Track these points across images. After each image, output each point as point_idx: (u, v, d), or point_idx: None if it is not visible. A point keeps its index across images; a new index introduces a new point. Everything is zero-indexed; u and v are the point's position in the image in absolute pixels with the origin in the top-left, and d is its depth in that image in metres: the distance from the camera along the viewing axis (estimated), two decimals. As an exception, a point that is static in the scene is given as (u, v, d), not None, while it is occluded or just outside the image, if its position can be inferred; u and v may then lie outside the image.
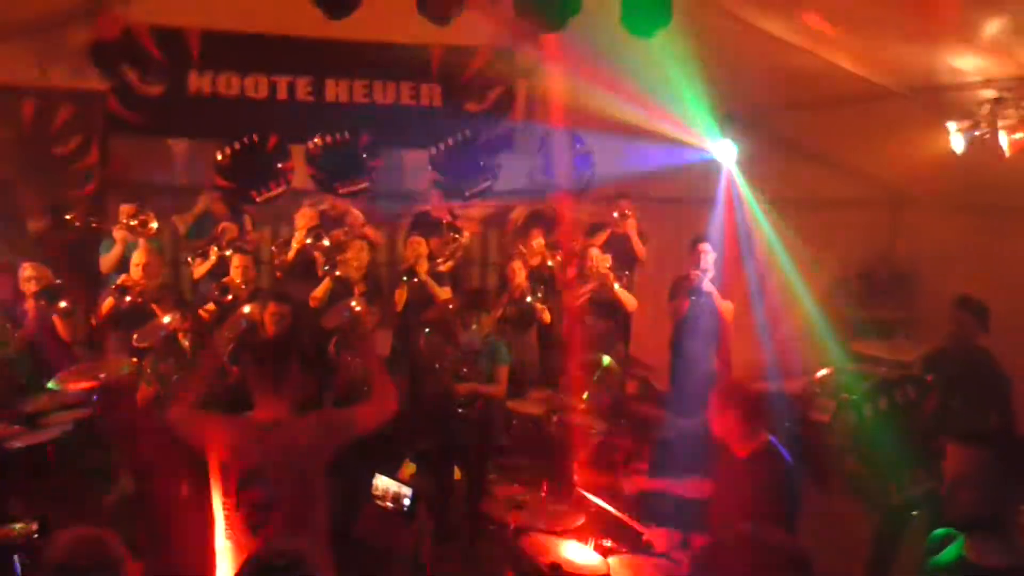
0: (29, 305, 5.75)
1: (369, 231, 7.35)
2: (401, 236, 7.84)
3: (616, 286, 6.62)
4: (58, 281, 5.92)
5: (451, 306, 5.93)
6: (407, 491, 2.66)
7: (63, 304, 5.71)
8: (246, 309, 5.52)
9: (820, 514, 4.50)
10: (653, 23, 4.69)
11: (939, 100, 5.86)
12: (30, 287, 5.80)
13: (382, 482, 2.66)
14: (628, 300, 6.74)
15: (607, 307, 6.78)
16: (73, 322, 5.83)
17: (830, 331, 6.86)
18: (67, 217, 7.04)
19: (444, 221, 7.57)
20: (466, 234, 7.61)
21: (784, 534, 3.61)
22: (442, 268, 7.02)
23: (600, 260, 6.74)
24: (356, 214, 7.44)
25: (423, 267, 6.69)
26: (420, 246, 6.79)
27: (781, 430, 4.48)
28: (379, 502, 2.66)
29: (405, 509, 2.65)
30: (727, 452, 3.96)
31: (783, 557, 3.44)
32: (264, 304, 5.57)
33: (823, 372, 5.37)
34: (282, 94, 8.08)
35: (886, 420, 4.59)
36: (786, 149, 8.19)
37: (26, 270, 5.88)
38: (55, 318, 5.71)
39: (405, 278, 6.66)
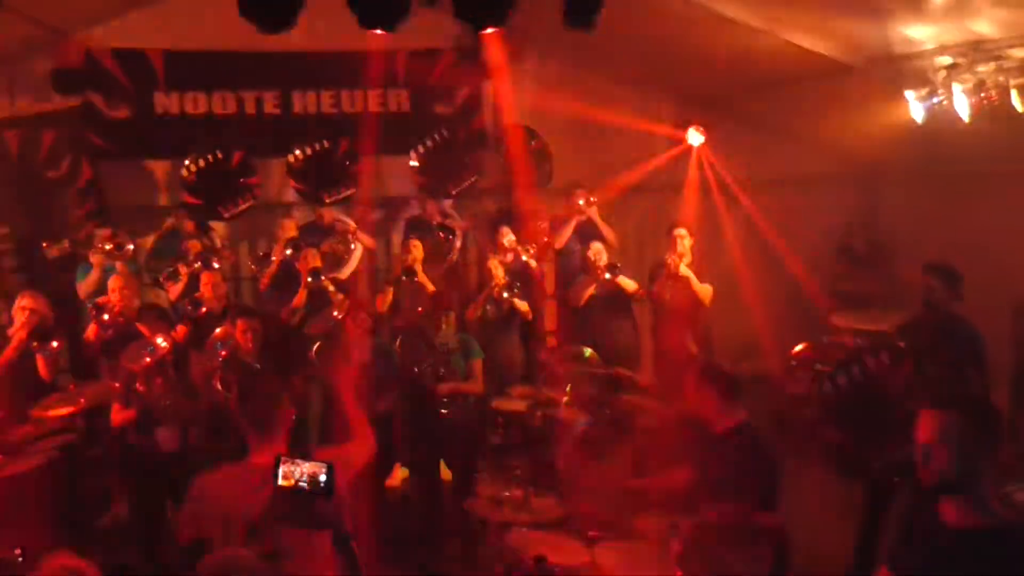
0: (19, 336, 5.55)
1: (363, 237, 7.38)
2: (397, 241, 7.87)
3: (607, 275, 6.65)
4: (50, 312, 5.83)
5: (420, 309, 5.94)
6: (321, 466, 2.58)
7: (54, 344, 5.56)
8: (217, 331, 5.51)
9: (803, 487, 4.56)
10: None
11: (896, 71, 5.90)
12: (23, 317, 5.59)
13: (288, 467, 2.57)
14: (629, 285, 6.79)
15: (611, 298, 6.79)
16: (57, 360, 5.76)
17: (808, 307, 6.92)
18: (43, 246, 7.02)
19: (435, 223, 7.59)
20: (459, 234, 7.65)
21: (762, 511, 3.70)
22: (438, 270, 7.06)
23: (600, 254, 6.76)
24: (347, 221, 7.46)
25: (419, 268, 6.72)
26: (417, 248, 6.84)
27: (761, 407, 4.54)
28: (289, 485, 2.56)
29: (323, 485, 2.58)
30: (705, 431, 4.01)
31: (761, 533, 3.51)
32: (233, 322, 5.56)
33: (799, 347, 5.39)
34: (250, 109, 8.08)
35: (861, 389, 4.62)
36: (754, 130, 8.24)
37: (24, 299, 5.70)
38: (39, 357, 5.57)
39: (404, 277, 6.64)
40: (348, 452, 3.29)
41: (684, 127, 7.93)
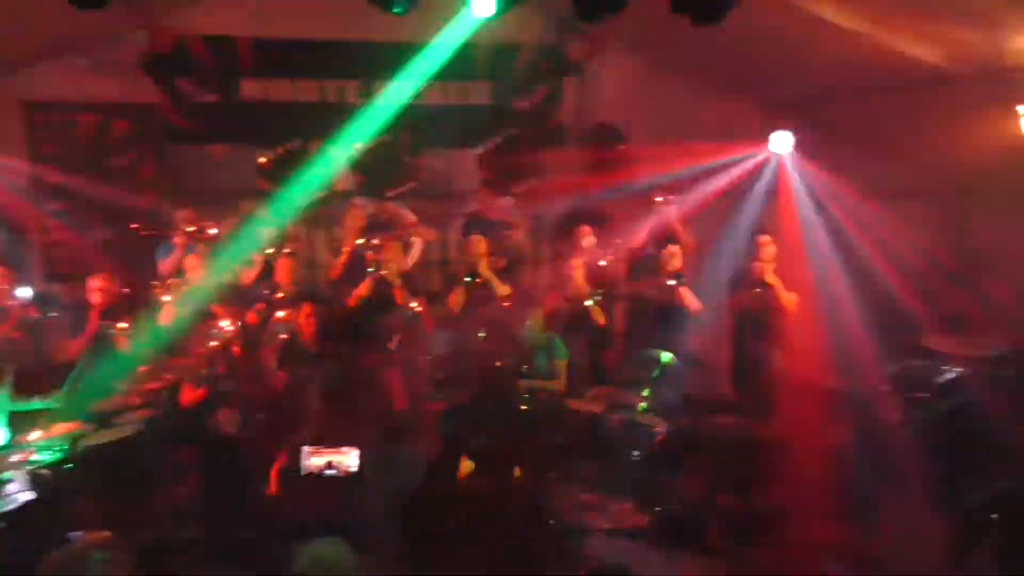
0: (93, 317, 5.82)
1: (422, 231, 7.36)
2: (454, 236, 7.85)
3: (671, 282, 6.48)
4: (125, 290, 5.98)
5: (506, 304, 5.89)
6: (350, 452, 2.57)
7: (122, 325, 5.76)
8: (280, 314, 5.56)
9: (896, 517, 4.37)
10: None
11: (1008, 83, 5.64)
12: (95, 299, 5.87)
13: (312, 455, 2.55)
14: (691, 299, 6.61)
15: (668, 305, 6.63)
16: (133, 336, 5.90)
17: (898, 326, 6.65)
18: (132, 226, 7.16)
19: (496, 220, 7.53)
20: (520, 232, 7.57)
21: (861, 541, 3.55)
22: (497, 266, 6.98)
23: (673, 256, 6.63)
24: (407, 215, 7.45)
25: (484, 265, 6.65)
26: (480, 244, 6.76)
27: (852, 430, 4.37)
28: (315, 472, 2.53)
29: (352, 472, 2.57)
30: (798, 453, 3.86)
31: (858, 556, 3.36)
32: (298, 308, 5.60)
33: (892, 369, 5.16)
34: (332, 97, 8.14)
35: (960, 419, 4.40)
36: (842, 138, 7.97)
37: (95, 280, 5.95)
38: (119, 336, 5.76)
39: (468, 278, 6.60)
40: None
41: (770, 132, 7.72)
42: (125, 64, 7.62)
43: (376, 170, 7.95)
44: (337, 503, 2.59)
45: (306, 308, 5.57)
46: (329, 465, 2.60)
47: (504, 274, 6.99)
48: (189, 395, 5.25)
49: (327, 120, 8.06)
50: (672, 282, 6.48)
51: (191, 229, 6.62)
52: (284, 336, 5.46)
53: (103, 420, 4.96)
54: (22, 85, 7.41)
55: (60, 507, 4.22)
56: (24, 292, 5.81)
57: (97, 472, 4.60)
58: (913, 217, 7.88)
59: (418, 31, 7.25)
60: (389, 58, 8.10)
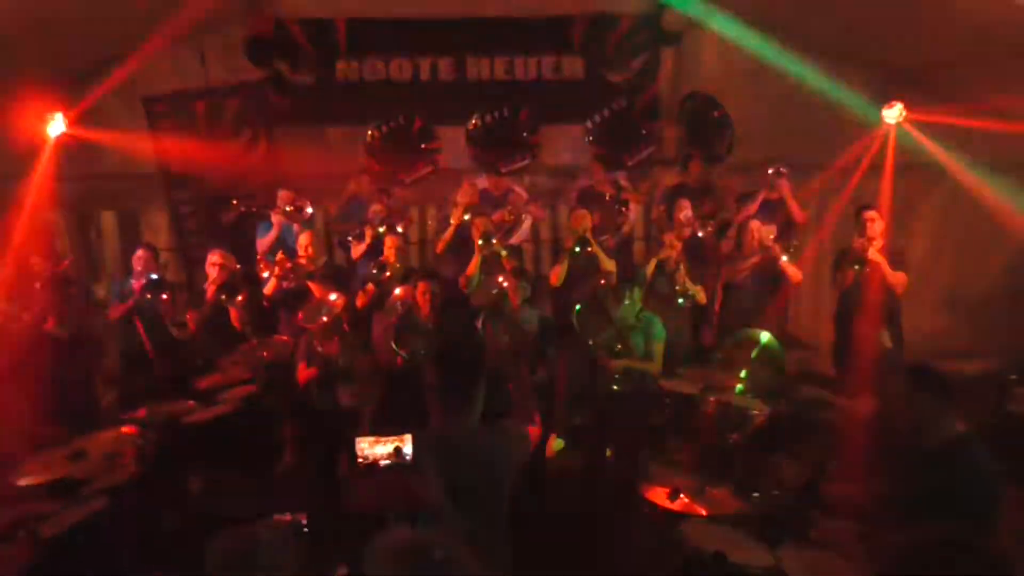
0: (210, 290, 6.07)
1: (533, 208, 7.32)
2: (565, 212, 7.78)
3: (784, 258, 6.22)
4: (238, 267, 6.19)
5: (604, 281, 5.77)
6: (404, 439, 2.44)
7: (240, 298, 5.98)
8: (397, 291, 5.61)
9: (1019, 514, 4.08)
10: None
11: None
12: (213, 273, 6.12)
13: (367, 444, 2.44)
14: (794, 274, 6.34)
15: (769, 280, 6.38)
16: (247, 311, 6.10)
17: (1019, 307, 6.20)
18: (232, 203, 7.39)
19: (608, 195, 7.40)
20: (633, 208, 7.44)
21: (984, 539, 3.29)
22: (609, 243, 6.88)
23: (764, 232, 6.37)
24: (520, 192, 7.43)
25: (591, 238, 6.56)
26: (585, 219, 6.66)
27: (973, 419, 4.07)
28: (371, 463, 2.42)
29: (408, 458, 2.45)
30: (913, 442, 3.62)
31: (984, 564, 3.12)
32: (414, 283, 5.64)
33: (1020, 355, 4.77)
34: (425, 75, 8.18)
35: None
36: (963, 108, 7.43)
37: (214, 255, 6.22)
38: (231, 309, 5.99)
39: (578, 248, 6.50)
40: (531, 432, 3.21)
41: (881, 102, 7.29)
42: (231, 48, 7.85)
43: (493, 146, 7.95)
44: (403, 492, 2.52)
45: (422, 285, 5.60)
46: (386, 455, 2.53)
47: (614, 252, 6.91)
48: (304, 373, 5.36)
49: (422, 98, 8.14)
50: (786, 257, 6.22)
51: (289, 208, 6.77)
52: (400, 310, 5.51)
53: (207, 396, 5.12)
54: (140, 81, 7.72)
55: (162, 483, 4.39)
56: (153, 276, 6.08)
57: (197, 448, 4.76)
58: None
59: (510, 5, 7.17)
60: (481, 34, 8.11)
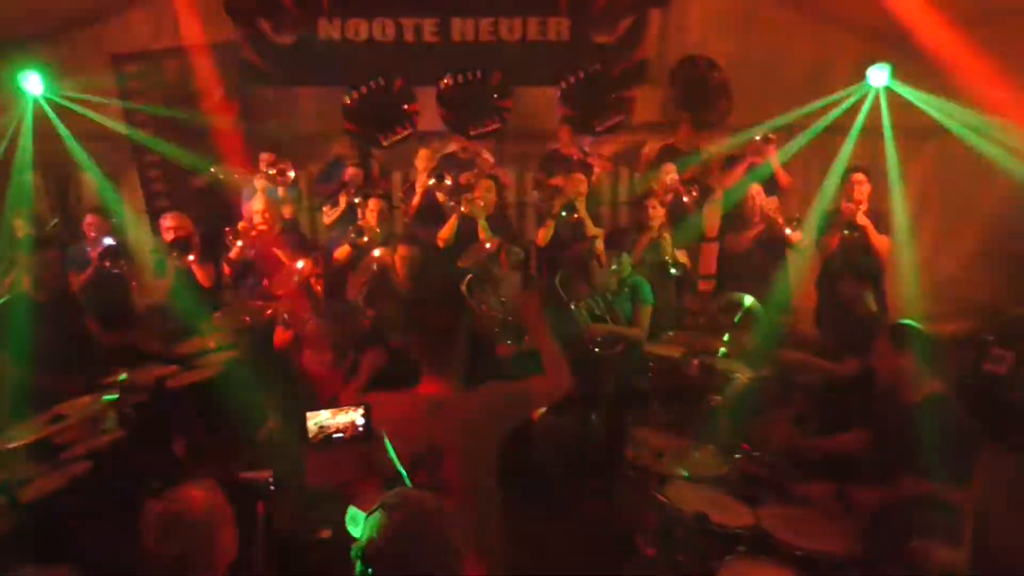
0: (171, 256, 6.00)
1: (500, 172, 7.25)
2: (530, 176, 7.73)
3: (788, 231, 6.22)
4: (192, 231, 6.12)
5: (586, 247, 5.75)
6: (356, 410, 2.40)
7: (191, 256, 5.90)
8: (376, 253, 5.57)
9: (997, 472, 4.13)
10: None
11: None
12: (168, 236, 6.04)
13: (320, 418, 2.39)
14: (800, 241, 6.35)
15: (772, 247, 6.39)
16: (211, 269, 6.03)
17: (1000, 268, 6.23)
18: (211, 170, 7.27)
19: (575, 159, 7.35)
20: (596, 172, 7.38)
21: (958, 494, 3.35)
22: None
23: (766, 202, 6.35)
24: (486, 156, 7.36)
25: (582, 204, 6.53)
26: (582, 184, 6.62)
27: (951, 378, 4.11)
28: (325, 439, 2.38)
29: (362, 429, 2.41)
30: (893, 400, 3.66)
31: (957, 518, 3.17)
32: (394, 248, 5.59)
33: (1003, 318, 4.81)
34: (409, 36, 8.06)
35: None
36: (949, 70, 7.40)
37: (167, 220, 6.13)
38: (192, 266, 5.92)
39: (564, 212, 6.48)
40: (538, 387, 3.10)
41: (868, 63, 7.24)
42: (209, 6, 7.69)
43: (463, 109, 7.84)
44: (361, 464, 2.47)
45: (402, 249, 5.55)
46: (339, 427, 2.47)
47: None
48: (280, 336, 5.32)
49: (405, 59, 8.02)
50: (790, 231, 6.21)
51: (271, 171, 6.68)
52: (374, 269, 5.46)
53: (186, 361, 5.09)
54: (109, 38, 7.55)
55: (146, 446, 4.37)
56: (107, 241, 5.98)
57: (181, 412, 4.74)
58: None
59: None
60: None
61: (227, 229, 6.12)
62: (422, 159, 7.10)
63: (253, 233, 6.02)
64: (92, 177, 7.40)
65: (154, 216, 7.67)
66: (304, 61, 8.01)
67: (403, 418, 2.84)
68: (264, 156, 6.96)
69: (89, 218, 6.22)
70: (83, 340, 5.24)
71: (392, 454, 2.46)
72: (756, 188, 6.54)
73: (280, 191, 6.77)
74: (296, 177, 6.94)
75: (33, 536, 3.46)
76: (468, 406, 2.94)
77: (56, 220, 7.04)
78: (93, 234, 6.10)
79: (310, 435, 2.45)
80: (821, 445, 4.24)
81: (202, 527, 2.36)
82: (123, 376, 4.66)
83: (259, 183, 6.74)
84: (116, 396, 4.09)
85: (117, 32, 7.63)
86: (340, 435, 2.44)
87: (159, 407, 4.72)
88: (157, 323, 5.72)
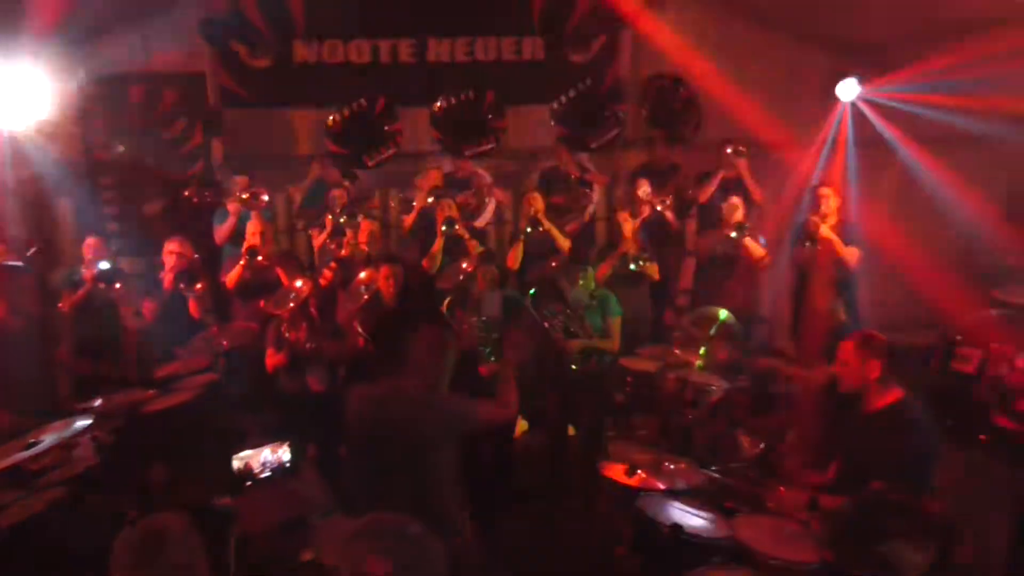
0: (167, 279, 5.97)
1: (497, 192, 7.31)
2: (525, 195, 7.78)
3: (733, 235, 6.27)
4: (195, 256, 6.12)
5: (555, 264, 5.80)
6: (280, 448, 2.37)
7: (199, 286, 5.88)
8: (362, 275, 5.60)
9: (963, 471, 4.20)
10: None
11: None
12: (171, 261, 6.01)
13: (244, 457, 2.32)
14: (754, 250, 6.41)
15: (735, 259, 6.45)
16: (204, 300, 6.03)
17: (970, 277, 6.35)
18: (184, 195, 7.27)
19: (573, 176, 7.41)
20: (597, 189, 7.46)
21: (921, 495, 3.41)
22: (572, 224, 6.90)
23: (733, 209, 6.43)
24: (483, 175, 7.41)
25: (543, 218, 6.59)
26: (536, 200, 6.67)
27: (920, 381, 4.19)
28: (253, 478, 2.31)
29: (289, 464, 2.39)
30: (857, 407, 3.72)
31: (921, 519, 3.23)
32: (377, 267, 5.63)
33: (967, 321, 4.90)
34: (385, 57, 8.11)
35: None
36: (916, 82, 7.55)
37: (172, 244, 6.08)
38: (195, 299, 5.90)
39: (530, 228, 6.54)
40: (485, 410, 3.47)
41: (836, 78, 7.39)
42: (174, 35, 7.71)
43: (457, 129, 7.89)
44: (288, 500, 2.43)
45: (385, 269, 5.58)
46: (262, 466, 2.42)
47: (578, 233, 6.94)
48: (272, 359, 5.32)
49: (382, 80, 8.08)
50: (734, 234, 6.28)
51: (245, 195, 6.68)
52: (365, 296, 5.49)
53: (165, 385, 5.08)
54: (74, 59, 7.53)
55: (121, 473, 4.35)
56: (104, 265, 5.97)
57: (158, 438, 4.72)
58: (990, 164, 7.48)
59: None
60: (442, 15, 8.06)
61: (246, 252, 6.08)
62: (430, 179, 7.12)
63: (264, 253, 6.01)
64: (69, 202, 7.40)
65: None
66: (280, 84, 8.04)
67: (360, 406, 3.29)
68: (238, 180, 6.97)
69: (89, 240, 6.20)
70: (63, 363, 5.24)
71: (318, 485, 2.45)
72: (737, 199, 6.60)
73: (252, 214, 6.75)
74: (269, 200, 6.92)
75: (7, 563, 3.44)
76: (418, 406, 3.29)
77: (36, 247, 6.99)
78: (90, 255, 6.09)
79: (238, 478, 2.36)
80: (792, 459, 4.28)
81: (174, 555, 2.35)
82: (98, 401, 4.64)
83: (232, 207, 6.74)
84: (90, 422, 4.06)
85: (84, 56, 7.61)
86: (268, 474, 2.35)
87: (136, 433, 4.69)
88: (138, 349, 5.69)
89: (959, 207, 6.89)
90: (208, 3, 7.64)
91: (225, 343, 5.37)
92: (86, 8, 6.32)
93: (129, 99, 7.56)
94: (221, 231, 6.81)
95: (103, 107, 7.46)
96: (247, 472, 2.29)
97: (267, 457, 2.36)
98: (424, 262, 6.43)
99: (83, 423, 4.03)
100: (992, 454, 4.47)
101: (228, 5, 7.66)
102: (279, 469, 2.35)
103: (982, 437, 4.48)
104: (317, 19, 7.94)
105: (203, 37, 7.67)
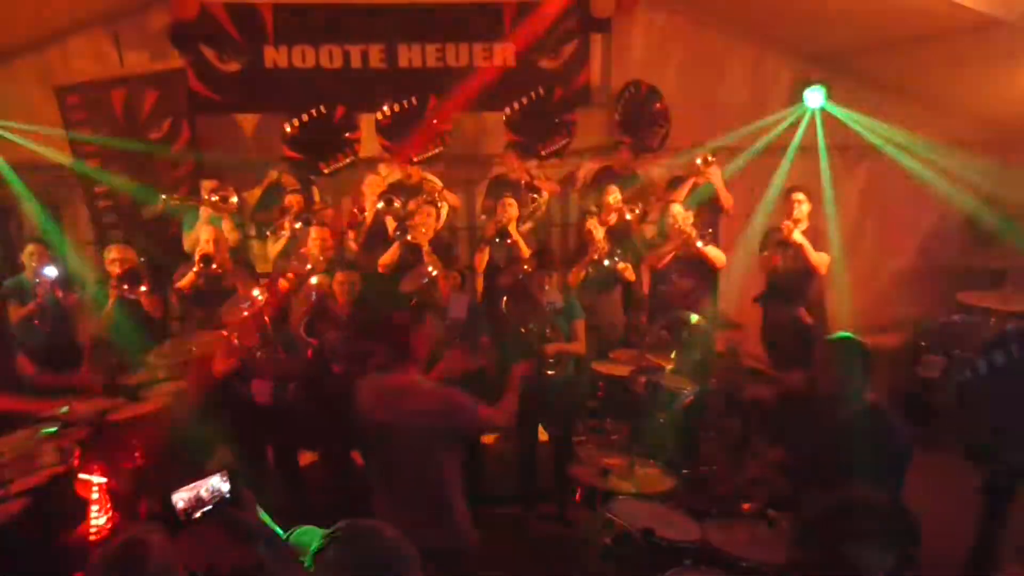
0: (112, 286, 5.87)
1: (448, 196, 7.30)
2: (479, 200, 7.77)
3: (699, 243, 6.31)
4: (141, 260, 6.04)
5: (526, 267, 5.81)
6: (219, 477, 2.20)
7: (143, 288, 5.81)
8: (314, 281, 5.56)
9: (929, 474, 4.26)
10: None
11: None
12: (114, 269, 5.94)
13: (184, 494, 2.16)
14: (716, 256, 6.45)
15: (694, 264, 6.49)
16: (161, 300, 5.95)
17: (932, 280, 6.47)
18: (162, 197, 7.15)
19: (522, 182, 7.44)
20: (545, 195, 7.48)
21: (889, 497, 3.45)
22: (522, 230, 6.89)
23: (683, 217, 6.46)
24: (433, 180, 7.39)
25: (514, 227, 6.59)
26: (512, 207, 6.67)
27: (887, 386, 4.25)
28: (195, 514, 2.16)
29: (229, 496, 2.23)
30: (830, 410, 3.76)
31: (889, 520, 3.27)
32: (332, 274, 5.59)
33: (930, 326, 4.99)
34: (356, 63, 8.09)
35: (1004, 376, 4.24)
36: (881, 90, 7.69)
37: (111, 252, 6.05)
38: (142, 299, 5.82)
39: (498, 239, 6.55)
40: (487, 413, 3.64)
41: (803, 86, 7.50)
42: (150, 34, 7.64)
43: (404, 135, 7.87)
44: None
45: (340, 275, 5.54)
46: (199, 500, 2.25)
47: (531, 237, 6.94)
48: (221, 365, 5.26)
49: (352, 86, 8.05)
50: (700, 244, 6.32)
51: (214, 198, 6.62)
52: (312, 300, 5.45)
53: (131, 393, 5.01)
54: (52, 69, 7.44)
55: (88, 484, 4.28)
56: (50, 271, 5.85)
57: (125, 446, 4.66)
58: (951, 171, 7.62)
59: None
60: (413, 21, 8.05)
61: (200, 259, 6.02)
62: (371, 184, 7.11)
63: (218, 261, 5.96)
64: (32, 208, 7.27)
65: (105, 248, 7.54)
66: (251, 88, 7.98)
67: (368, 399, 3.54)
68: (206, 183, 6.89)
69: (30, 247, 6.09)
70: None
71: (262, 514, 2.36)
72: (679, 205, 6.63)
73: (224, 219, 6.70)
74: (238, 203, 6.87)
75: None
76: (421, 401, 3.46)
77: None
78: (35, 264, 5.98)
79: (179, 517, 2.22)
80: (762, 464, 4.31)
81: (154, 571, 2.28)
82: (64, 409, 4.57)
83: (203, 211, 6.68)
84: (55, 430, 3.99)
85: (57, 61, 7.51)
86: (208, 507, 2.21)
87: (102, 441, 4.62)
88: (100, 358, 5.60)
89: (917, 213, 7.00)
90: (177, 7, 7.55)
91: (194, 350, 5.30)
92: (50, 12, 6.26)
93: (111, 104, 7.45)
94: (191, 237, 6.73)
95: (85, 114, 7.35)
96: (191, 508, 2.13)
97: (205, 489, 2.20)
98: (379, 266, 6.39)
99: (47, 430, 3.98)
100: (951, 456, 4.53)
101: (197, 9, 7.58)
102: (220, 499, 2.21)
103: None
104: (288, 24, 7.90)
105: (172, 41, 7.59)
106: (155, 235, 7.13)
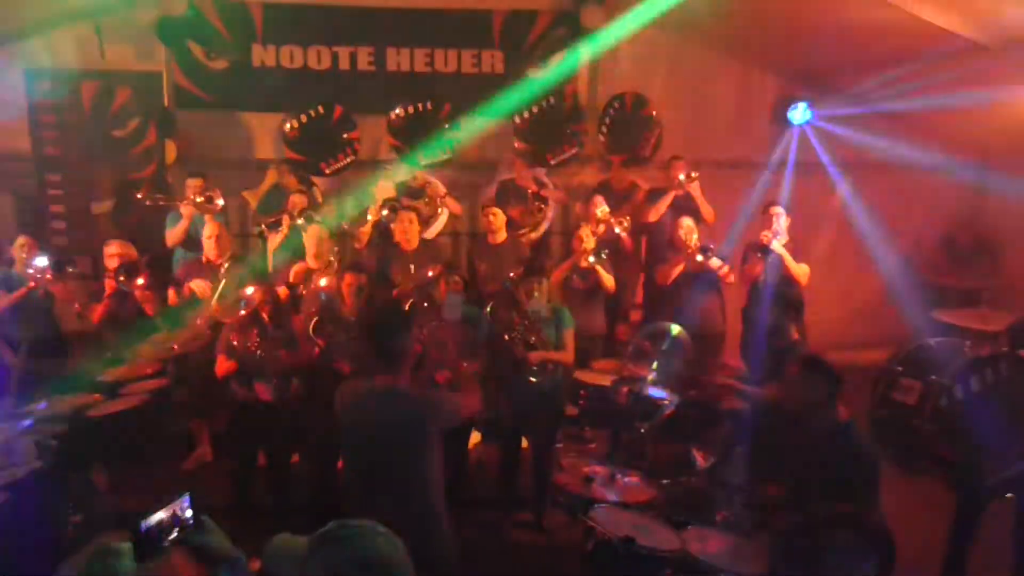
0: (109, 282, 5.85)
1: (450, 202, 7.31)
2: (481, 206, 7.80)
3: (699, 258, 6.35)
4: (141, 258, 6.02)
5: (512, 275, 5.83)
6: (179, 501, 2.16)
7: (140, 281, 5.76)
8: (322, 282, 5.55)
9: (906, 492, 4.35)
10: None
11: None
12: (112, 264, 5.91)
13: (150, 520, 2.12)
14: (726, 274, 6.46)
15: (700, 282, 6.53)
16: (158, 297, 5.91)
17: (909, 299, 6.57)
18: (138, 196, 7.11)
19: (530, 191, 7.46)
20: (551, 204, 7.51)
21: (865, 515, 3.52)
22: (530, 237, 6.93)
23: (689, 232, 6.50)
24: (437, 185, 7.40)
25: (502, 236, 6.66)
26: (497, 217, 6.70)
27: (864, 407, 4.31)
28: (162, 540, 2.13)
29: (192, 521, 2.21)
30: (803, 427, 3.82)
31: (865, 537, 3.34)
32: (340, 276, 5.59)
33: (905, 352, 5.05)
34: (344, 64, 8.09)
35: (978, 401, 4.33)
36: (865, 108, 7.82)
37: (111, 247, 6.04)
38: (141, 296, 5.78)
39: (484, 244, 6.59)
40: (465, 402, 3.77)
41: (787, 102, 7.62)
42: (130, 32, 7.59)
43: (413, 139, 7.88)
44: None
45: (348, 276, 5.53)
46: (163, 525, 2.19)
47: (533, 246, 6.99)
48: (223, 366, 5.23)
49: (340, 87, 8.05)
50: (701, 258, 6.36)
51: (199, 199, 6.57)
52: (321, 302, 5.43)
53: (112, 390, 4.96)
54: (25, 53, 7.36)
55: (65, 478, 4.25)
56: (41, 261, 5.80)
57: (103, 443, 4.62)
58: (930, 190, 7.77)
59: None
60: (402, 24, 8.07)
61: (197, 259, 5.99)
62: (383, 190, 7.10)
63: (217, 263, 5.94)
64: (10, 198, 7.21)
65: (48, 240, 7.42)
66: (237, 86, 7.95)
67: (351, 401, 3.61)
68: (192, 182, 6.83)
69: (21, 239, 6.03)
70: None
71: (221, 536, 2.32)
72: (689, 220, 6.69)
73: (207, 218, 6.65)
74: (224, 205, 6.82)
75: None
76: (405, 402, 3.52)
77: None
78: (25, 256, 5.91)
79: (146, 543, 2.16)
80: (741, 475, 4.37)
81: None
82: (42, 404, 4.53)
83: (185, 210, 6.62)
84: (32, 425, 3.95)
85: (38, 49, 7.44)
86: (173, 535, 2.18)
87: (82, 437, 4.57)
88: (87, 350, 5.56)
89: (894, 231, 7.12)
90: (165, 3, 7.50)
91: (176, 347, 5.27)
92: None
93: (81, 96, 7.38)
94: (173, 234, 6.68)
95: (54, 102, 7.28)
96: (157, 535, 2.08)
97: (167, 515, 2.13)
98: (394, 274, 6.39)
99: (26, 425, 3.94)
100: (929, 477, 4.61)
101: (186, 6, 7.54)
102: (183, 524, 2.16)
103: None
104: (277, 23, 7.89)
105: (159, 36, 7.55)
106: (100, 230, 7.16)
